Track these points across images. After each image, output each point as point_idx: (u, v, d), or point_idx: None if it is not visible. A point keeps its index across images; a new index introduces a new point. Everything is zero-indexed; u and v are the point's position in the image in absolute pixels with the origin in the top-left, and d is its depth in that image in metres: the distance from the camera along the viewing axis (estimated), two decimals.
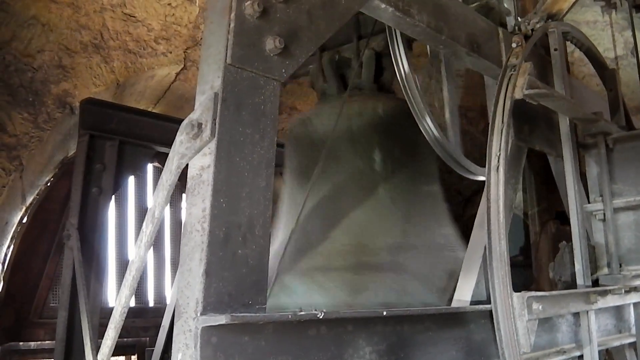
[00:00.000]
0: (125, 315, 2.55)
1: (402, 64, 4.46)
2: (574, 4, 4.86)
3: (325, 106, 5.32)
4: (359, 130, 5.06)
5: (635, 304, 4.71)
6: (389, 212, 4.97)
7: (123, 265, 7.58)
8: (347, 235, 4.91)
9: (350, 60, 5.29)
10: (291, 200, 5.36)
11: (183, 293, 2.30)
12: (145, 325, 7.72)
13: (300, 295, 4.54)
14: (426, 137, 4.56)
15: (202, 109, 2.41)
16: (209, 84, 2.46)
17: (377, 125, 5.04)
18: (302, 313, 2.45)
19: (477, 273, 3.82)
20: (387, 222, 4.89)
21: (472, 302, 3.75)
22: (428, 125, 4.49)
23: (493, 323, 3.41)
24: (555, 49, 4.71)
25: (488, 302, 3.51)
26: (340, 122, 4.93)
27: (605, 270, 4.67)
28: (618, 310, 4.65)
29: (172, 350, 2.29)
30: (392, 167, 5.01)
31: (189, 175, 2.44)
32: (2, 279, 6.77)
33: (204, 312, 2.22)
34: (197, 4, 7.33)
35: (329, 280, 4.63)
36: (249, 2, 2.50)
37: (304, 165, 5.25)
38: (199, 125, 2.39)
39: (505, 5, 4.70)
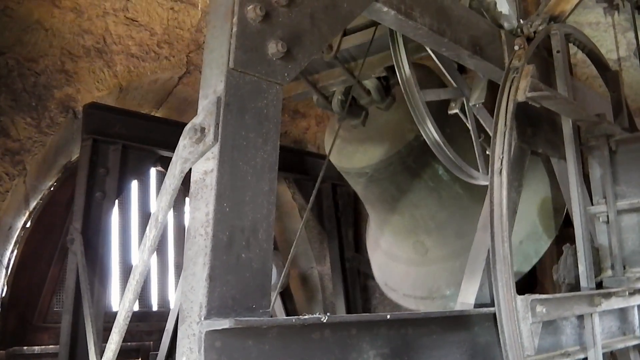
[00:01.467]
0: (129, 319, 2.55)
1: (403, 67, 4.45)
2: (576, 5, 4.86)
3: (353, 141, 5.85)
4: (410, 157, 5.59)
5: (639, 306, 4.70)
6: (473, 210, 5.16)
7: (126, 269, 7.58)
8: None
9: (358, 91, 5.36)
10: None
11: (187, 297, 2.30)
12: (149, 329, 7.72)
13: None
14: (427, 142, 4.56)
15: (205, 114, 2.41)
16: (211, 88, 2.46)
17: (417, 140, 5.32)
18: (306, 317, 2.45)
19: (481, 276, 3.82)
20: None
21: (476, 305, 3.75)
22: (429, 130, 4.48)
23: (497, 326, 3.41)
24: (558, 51, 4.70)
25: (492, 305, 3.51)
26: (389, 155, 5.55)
27: (609, 272, 4.66)
28: (622, 313, 4.64)
29: (176, 354, 2.29)
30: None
31: (192, 180, 2.44)
32: (6, 283, 6.76)
33: (208, 316, 2.22)
34: (199, 8, 7.33)
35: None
36: (251, 6, 2.51)
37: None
38: (202, 129, 2.39)
39: (506, 7, 4.69)
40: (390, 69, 4.89)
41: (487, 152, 4.70)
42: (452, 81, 4.79)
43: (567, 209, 5.08)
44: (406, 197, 5.89)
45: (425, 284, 6.13)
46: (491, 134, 4.62)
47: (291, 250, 4.07)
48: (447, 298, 5.85)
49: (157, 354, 6.67)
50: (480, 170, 4.81)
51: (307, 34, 2.76)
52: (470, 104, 4.73)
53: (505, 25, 4.55)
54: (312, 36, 2.79)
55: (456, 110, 4.80)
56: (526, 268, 5.44)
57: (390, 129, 5.56)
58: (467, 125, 4.84)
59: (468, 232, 5.08)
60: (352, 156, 5.76)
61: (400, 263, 6.45)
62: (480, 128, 4.83)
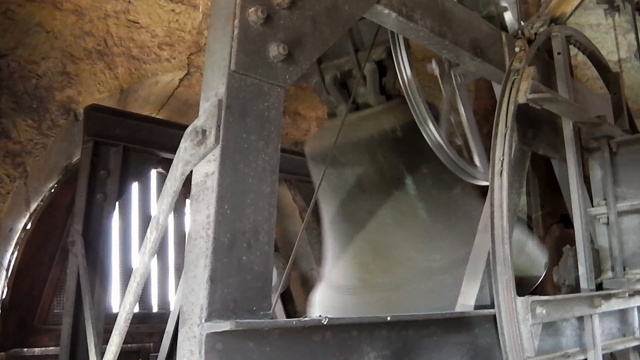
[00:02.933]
0: (129, 321, 2.56)
1: (404, 69, 4.46)
2: (577, 7, 4.87)
3: (336, 123, 5.35)
4: (379, 150, 5.17)
5: (639, 308, 4.71)
6: (424, 226, 5.01)
7: (127, 271, 7.58)
8: (386, 257, 5.15)
9: (352, 71, 5.29)
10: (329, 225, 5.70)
11: (188, 299, 2.31)
12: (149, 331, 7.72)
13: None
14: (429, 142, 4.56)
15: (206, 116, 2.41)
16: (213, 90, 2.47)
17: (396, 141, 5.07)
18: (307, 319, 2.46)
19: (481, 277, 3.82)
20: (422, 236, 4.91)
21: (476, 307, 3.75)
22: (431, 131, 4.49)
23: (497, 327, 3.42)
24: (559, 53, 4.71)
25: (492, 306, 3.51)
26: (359, 144, 5.10)
27: (609, 273, 4.66)
28: (622, 314, 4.65)
29: (177, 357, 2.29)
30: (419, 179, 5.03)
31: (193, 182, 2.44)
32: (6, 285, 6.77)
33: (209, 318, 2.23)
34: (200, 10, 7.34)
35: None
36: (252, 9, 2.51)
37: (336, 189, 5.45)
38: (203, 131, 2.40)
39: (506, 5, 4.70)
40: (390, 59, 4.87)
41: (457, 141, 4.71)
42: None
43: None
44: (363, 199, 5.38)
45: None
46: (464, 117, 4.63)
47: (292, 253, 4.07)
48: None
49: (157, 355, 6.67)
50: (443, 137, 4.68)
51: (308, 36, 2.77)
52: (456, 71, 4.70)
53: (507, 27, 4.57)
54: (314, 39, 2.80)
55: (435, 71, 4.74)
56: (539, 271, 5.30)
57: (370, 119, 5.37)
58: (442, 90, 4.77)
59: (420, 260, 4.95)
60: (323, 140, 5.43)
61: (341, 293, 5.52)
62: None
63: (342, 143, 4.98)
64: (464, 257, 4.08)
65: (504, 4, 4.67)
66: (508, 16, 4.68)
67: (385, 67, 5.22)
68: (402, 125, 4.99)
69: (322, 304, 5.51)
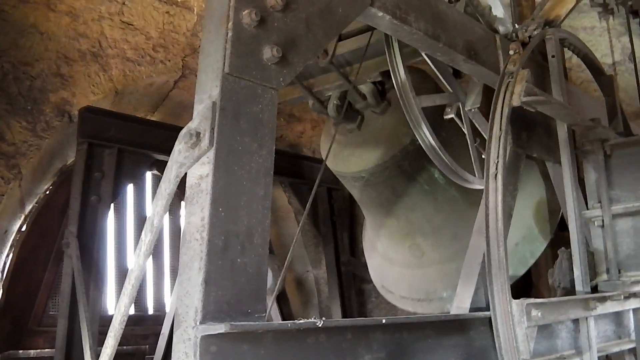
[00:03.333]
0: (124, 323, 2.55)
1: (398, 71, 4.46)
2: (571, 10, 4.88)
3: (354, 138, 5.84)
4: (402, 162, 5.64)
5: (634, 310, 4.71)
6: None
7: (122, 272, 7.58)
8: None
9: (347, 93, 5.36)
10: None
11: (182, 302, 2.31)
12: (144, 333, 7.71)
13: None
14: (422, 146, 4.57)
15: (200, 118, 2.41)
16: (207, 93, 2.47)
17: (414, 149, 5.34)
18: (302, 321, 2.45)
19: (476, 280, 3.82)
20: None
21: (472, 309, 3.75)
22: (424, 134, 4.49)
23: (492, 330, 3.41)
24: (553, 56, 4.71)
25: (487, 309, 3.51)
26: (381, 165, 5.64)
27: (605, 276, 4.67)
28: (617, 316, 4.65)
29: (172, 359, 2.29)
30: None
31: (187, 184, 2.44)
32: (1, 287, 6.75)
33: (204, 320, 2.22)
34: (195, 12, 7.34)
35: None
36: (246, 11, 2.51)
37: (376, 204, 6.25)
38: (198, 134, 2.39)
39: (501, 12, 4.70)
40: (386, 74, 4.90)
41: (483, 156, 4.71)
42: (447, 86, 4.80)
43: (562, 212, 5.09)
44: (402, 200, 5.90)
45: (422, 287, 6.16)
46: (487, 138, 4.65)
47: (288, 255, 4.08)
48: (444, 300, 5.87)
49: (152, 357, 6.67)
50: (477, 174, 4.82)
51: (302, 39, 2.76)
52: (465, 109, 4.73)
53: (500, 29, 4.56)
54: (307, 41, 2.79)
55: (452, 116, 4.82)
56: (522, 271, 5.45)
57: (385, 133, 5.57)
58: (463, 129, 4.85)
59: (464, 235, 5.08)
60: (348, 160, 5.76)
61: (397, 266, 6.48)
62: (475, 132, 4.84)
63: (371, 167, 5.63)
64: None
65: (498, 7, 4.67)
66: (502, 19, 4.69)
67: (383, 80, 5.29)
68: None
69: (384, 275, 6.68)
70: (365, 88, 5.31)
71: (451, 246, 5.92)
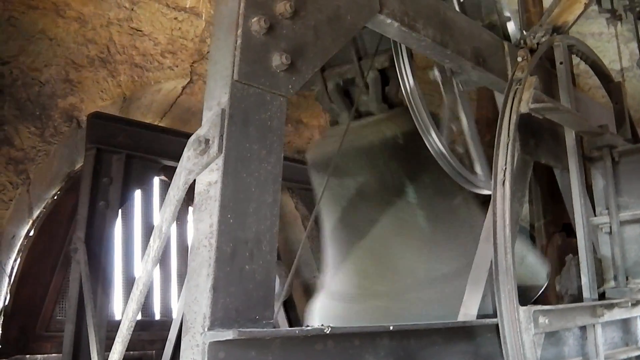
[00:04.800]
0: (132, 329, 2.56)
1: (407, 78, 4.46)
2: (579, 16, 4.87)
3: (339, 133, 5.38)
4: (379, 157, 5.18)
5: None
6: (425, 236, 5.00)
7: (129, 278, 7.59)
8: (387, 266, 5.11)
9: (355, 80, 5.30)
10: (330, 230, 5.67)
11: (190, 308, 2.31)
12: (151, 338, 7.71)
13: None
14: (431, 151, 4.56)
15: (209, 125, 2.42)
16: (216, 100, 2.47)
17: (397, 149, 5.09)
18: (309, 328, 2.46)
19: (484, 287, 3.82)
20: (424, 247, 4.91)
21: (479, 316, 3.74)
22: (433, 140, 4.49)
23: (499, 337, 3.41)
24: (561, 63, 4.71)
25: (494, 316, 3.51)
26: (360, 151, 5.10)
27: (612, 283, 4.66)
28: (625, 323, 4.64)
29: None
30: (421, 188, 5.03)
31: (196, 191, 2.45)
32: (8, 292, 6.77)
33: (212, 327, 2.23)
34: (203, 18, 7.36)
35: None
36: (255, 19, 2.52)
37: (336, 195, 5.42)
38: (206, 141, 2.40)
39: (508, 15, 4.71)
40: (392, 80, 4.90)
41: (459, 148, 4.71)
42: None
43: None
44: (364, 207, 5.38)
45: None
46: (464, 124, 4.63)
47: (295, 261, 4.07)
48: None
49: None
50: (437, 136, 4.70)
51: (310, 46, 2.77)
52: (455, 79, 4.71)
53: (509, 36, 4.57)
54: (316, 48, 2.80)
55: (436, 76, 4.74)
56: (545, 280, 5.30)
57: (372, 126, 5.39)
58: (443, 97, 4.78)
59: (422, 269, 4.95)
60: (324, 147, 5.50)
61: (341, 301, 5.54)
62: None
63: (344, 151, 4.96)
64: (465, 266, 4.08)
65: (506, 13, 4.67)
66: (510, 25, 4.69)
67: (388, 77, 5.23)
68: (403, 134, 5.00)
69: (321, 313, 5.51)
70: (371, 74, 5.22)
71: (404, 278, 5.16)
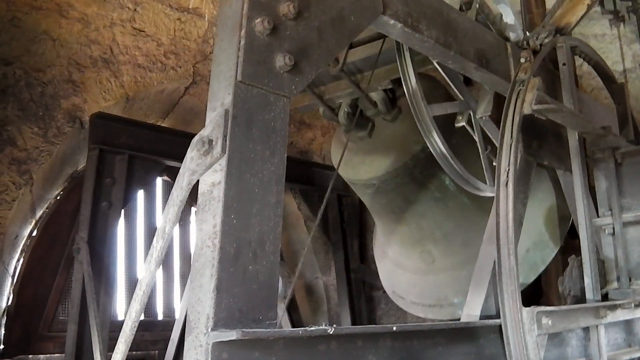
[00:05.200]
0: (135, 329, 2.56)
1: (409, 79, 4.47)
2: (582, 17, 4.87)
3: (359, 153, 5.89)
4: (413, 170, 5.68)
5: None
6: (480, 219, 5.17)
7: (132, 278, 7.60)
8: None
9: (358, 100, 5.39)
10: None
11: (194, 308, 2.31)
12: (154, 338, 7.71)
13: None
14: (433, 153, 4.56)
15: (212, 126, 2.42)
16: (219, 100, 2.48)
17: (425, 156, 5.40)
18: (313, 328, 2.46)
19: (487, 288, 3.82)
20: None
21: (482, 317, 3.75)
22: (435, 141, 4.49)
23: (503, 338, 3.41)
24: (564, 64, 4.71)
25: (497, 316, 3.51)
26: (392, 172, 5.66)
27: (615, 284, 4.67)
28: (628, 325, 4.64)
29: None
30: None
31: (199, 192, 2.45)
32: (11, 292, 6.78)
33: (215, 327, 2.23)
34: (206, 19, 7.36)
35: None
36: (259, 20, 2.52)
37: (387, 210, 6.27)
38: (210, 141, 2.40)
39: (512, 20, 4.71)
40: (397, 81, 4.92)
41: (494, 164, 4.71)
42: (458, 94, 4.81)
43: (572, 220, 5.09)
44: (413, 207, 5.92)
45: (433, 292, 6.19)
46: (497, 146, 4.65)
47: (299, 262, 4.08)
48: (455, 306, 5.88)
49: None
50: (488, 182, 4.81)
51: (314, 47, 2.77)
52: (477, 117, 4.74)
53: (511, 37, 4.57)
54: (320, 49, 2.80)
55: (463, 124, 4.82)
56: (532, 277, 5.45)
57: (396, 141, 5.58)
58: (474, 137, 4.85)
59: (474, 242, 5.07)
60: (359, 168, 5.78)
61: (408, 272, 6.50)
62: (487, 140, 4.84)
63: (381, 174, 5.65)
64: None
65: (509, 15, 4.67)
66: (513, 26, 4.69)
67: (394, 88, 5.30)
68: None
69: (392, 280, 6.70)
70: (376, 95, 5.32)
71: (462, 253, 5.93)
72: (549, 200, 5.48)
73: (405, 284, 6.56)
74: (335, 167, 4.81)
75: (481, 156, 4.82)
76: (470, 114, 4.82)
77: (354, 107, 5.39)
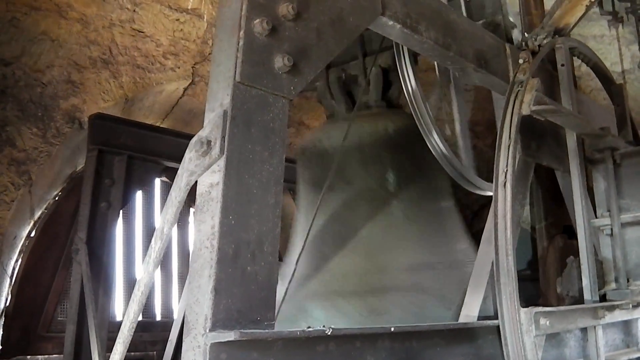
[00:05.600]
0: (133, 330, 2.56)
1: (409, 79, 4.47)
2: (580, 18, 4.88)
3: (335, 125, 5.39)
4: (369, 149, 5.18)
5: None
6: (404, 231, 5.02)
7: (130, 279, 7.59)
8: (363, 257, 5.03)
9: (357, 77, 5.32)
10: (304, 219, 5.53)
11: (192, 309, 2.32)
12: (152, 339, 7.70)
13: (320, 320, 4.54)
14: (433, 153, 4.57)
15: (211, 127, 2.42)
16: (218, 101, 2.48)
17: (388, 144, 5.12)
18: (311, 329, 2.46)
19: (485, 288, 3.82)
20: (402, 241, 4.93)
21: (480, 318, 3.75)
22: (435, 141, 4.50)
23: (501, 339, 3.41)
24: (563, 65, 4.72)
25: (495, 317, 3.52)
26: (351, 142, 5.04)
27: (613, 285, 4.67)
28: (626, 325, 4.65)
29: None
30: (404, 185, 5.05)
31: (198, 193, 2.45)
32: (10, 292, 6.78)
33: (213, 328, 2.23)
34: (205, 20, 7.36)
35: (348, 304, 4.69)
36: (258, 20, 2.53)
37: (316, 185, 5.37)
38: (208, 142, 2.40)
39: (511, 19, 4.71)
40: (394, 69, 4.90)
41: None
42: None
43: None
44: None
45: None
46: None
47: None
48: None
49: None
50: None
51: (313, 48, 2.78)
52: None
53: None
54: (319, 50, 2.81)
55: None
56: None
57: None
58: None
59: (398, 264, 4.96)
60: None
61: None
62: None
63: (335, 144, 5.13)
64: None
65: (509, 16, 4.68)
66: (512, 28, 4.70)
67: (390, 80, 5.26)
68: (395, 130, 5.03)
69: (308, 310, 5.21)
70: (374, 71, 5.25)
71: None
72: None
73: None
74: (332, 167, 4.69)
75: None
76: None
77: (347, 89, 5.37)
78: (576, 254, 4.58)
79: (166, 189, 8.11)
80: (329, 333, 2.50)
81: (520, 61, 4.18)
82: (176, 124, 8.08)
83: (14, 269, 6.84)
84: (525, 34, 4.71)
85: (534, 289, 5.72)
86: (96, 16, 6.67)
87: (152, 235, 2.56)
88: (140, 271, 2.64)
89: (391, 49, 4.97)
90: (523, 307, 3.40)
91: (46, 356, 7.00)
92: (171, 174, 7.05)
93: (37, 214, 7.05)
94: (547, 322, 3.44)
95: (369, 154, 5.19)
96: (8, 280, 6.74)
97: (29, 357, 6.89)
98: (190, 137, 2.49)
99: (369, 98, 5.35)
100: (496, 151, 3.69)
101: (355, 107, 5.11)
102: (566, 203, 4.97)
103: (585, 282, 4.45)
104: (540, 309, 3.46)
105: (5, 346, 6.65)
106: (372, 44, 5.23)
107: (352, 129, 5.00)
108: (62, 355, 6.17)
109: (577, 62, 5.57)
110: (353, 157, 5.18)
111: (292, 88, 2.66)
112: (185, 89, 7.81)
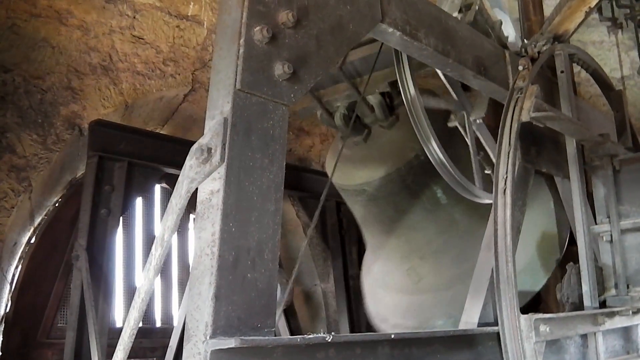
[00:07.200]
0: (134, 337, 2.56)
1: (408, 87, 4.47)
2: (580, 24, 4.89)
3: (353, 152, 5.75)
4: (406, 177, 5.53)
5: None
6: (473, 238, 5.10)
7: (130, 285, 7.59)
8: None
9: (356, 103, 5.38)
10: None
11: (192, 316, 2.32)
12: (152, 345, 7.70)
13: None
14: (431, 160, 4.56)
15: (211, 134, 2.43)
16: (218, 109, 2.48)
17: (419, 164, 5.35)
18: (311, 336, 2.46)
19: (485, 295, 3.82)
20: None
21: (480, 324, 3.75)
22: (433, 149, 4.49)
23: (501, 345, 3.41)
24: (562, 71, 4.73)
25: (495, 324, 3.52)
26: (385, 177, 5.50)
27: (613, 291, 4.67)
28: (626, 331, 4.64)
29: None
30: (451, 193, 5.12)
31: (198, 200, 2.46)
32: (10, 299, 6.77)
33: (214, 335, 2.23)
34: (205, 27, 7.38)
35: None
36: (258, 28, 2.53)
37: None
38: (209, 150, 2.41)
39: (511, 27, 4.72)
40: (395, 87, 4.92)
41: (486, 171, 4.72)
42: (454, 94, 4.80)
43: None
44: (404, 218, 5.83)
45: (417, 314, 5.97)
46: (490, 151, 4.66)
47: (295, 268, 4.08)
48: (437, 329, 5.74)
49: None
50: (477, 184, 4.78)
51: (313, 55, 2.78)
52: (471, 119, 4.73)
53: (510, 45, 4.58)
54: (318, 57, 2.81)
55: (456, 124, 4.80)
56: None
57: (390, 147, 5.52)
58: (467, 140, 4.83)
59: (463, 261, 5.07)
60: (352, 173, 5.69)
61: (392, 291, 6.31)
62: (479, 145, 4.83)
63: (374, 180, 5.50)
64: None
65: (507, 22, 4.69)
66: (511, 34, 4.70)
67: (392, 95, 5.30)
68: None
69: (376, 301, 6.35)
70: (373, 99, 5.31)
71: (449, 272, 5.73)
72: (545, 225, 5.42)
73: (389, 304, 6.31)
74: (329, 175, 4.77)
75: (472, 160, 4.79)
76: (464, 115, 4.80)
77: (351, 111, 5.39)
78: (576, 260, 4.58)
79: (166, 195, 8.11)
80: (329, 340, 2.50)
81: (520, 68, 4.18)
82: (176, 130, 8.08)
83: (14, 275, 6.84)
84: (525, 40, 4.72)
85: (534, 295, 5.72)
86: (96, 23, 6.68)
87: (152, 242, 2.56)
88: (140, 278, 2.64)
89: (385, 77, 5.05)
90: (523, 313, 3.40)
91: None
92: (171, 180, 7.06)
93: (37, 221, 7.05)
94: (547, 329, 3.44)
95: (411, 182, 5.57)
96: (8, 286, 6.73)
97: None
98: (190, 143, 2.49)
99: (379, 121, 5.46)
100: (496, 158, 3.70)
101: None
102: (566, 209, 4.97)
103: (585, 288, 4.45)
104: (540, 315, 3.46)
105: (5, 353, 6.64)
106: (362, 75, 5.28)
107: (384, 166, 5.50)
108: None
109: (576, 68, 5.59)
110: (397, 190, 5.64)
111: (292, 95, 2.66)
112: (185, 96, 7.82)
